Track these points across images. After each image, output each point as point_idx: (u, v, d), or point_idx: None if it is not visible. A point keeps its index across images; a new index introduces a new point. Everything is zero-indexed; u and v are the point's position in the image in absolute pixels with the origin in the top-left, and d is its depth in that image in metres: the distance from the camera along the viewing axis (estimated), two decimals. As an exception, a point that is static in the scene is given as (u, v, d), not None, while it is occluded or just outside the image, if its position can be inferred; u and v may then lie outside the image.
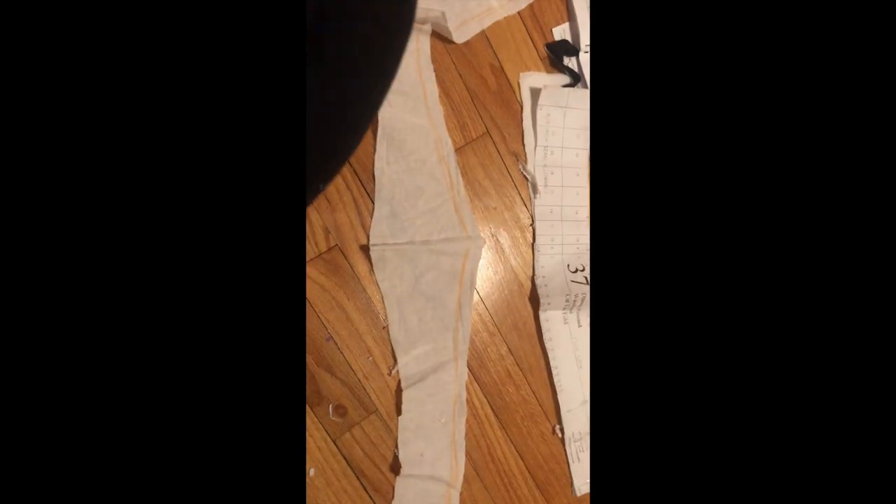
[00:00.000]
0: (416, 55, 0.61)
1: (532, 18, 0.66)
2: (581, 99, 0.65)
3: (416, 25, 0.60)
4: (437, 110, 0.61)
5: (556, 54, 0.66)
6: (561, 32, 0.67)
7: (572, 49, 0.67)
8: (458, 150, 0.62)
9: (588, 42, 0.67)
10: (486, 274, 0.64)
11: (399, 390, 0.59)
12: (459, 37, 0.62)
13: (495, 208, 0.64)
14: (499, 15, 0.64)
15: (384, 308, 0.59)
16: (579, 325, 0.67)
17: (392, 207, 0.59)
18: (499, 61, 0.64)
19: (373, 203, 0.59)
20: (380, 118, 0.59)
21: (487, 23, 0.63)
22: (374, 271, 0.59)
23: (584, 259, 0.67)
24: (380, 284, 0.59)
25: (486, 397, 0.63)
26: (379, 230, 0.59)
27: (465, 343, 0.62)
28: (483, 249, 0.63)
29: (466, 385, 0.62)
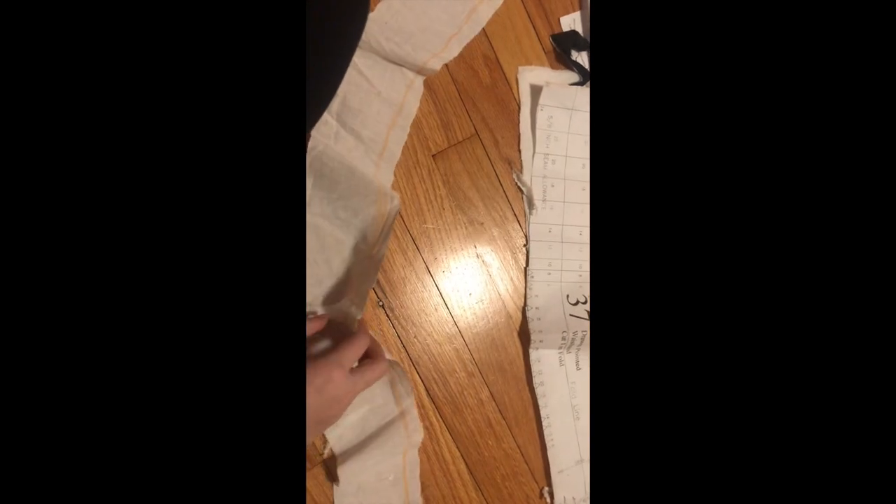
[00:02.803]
0: (398, 110, 0.51)
1: (537, 4, 0.56)
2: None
3: (407, 74, 0.51)
4: (388, 172, 0.51)
5: (563, 47, 0.56)
6: (570, 22, 0.57)
7: (582, 42, 0.57)
8: (440, 154, 0.53)
9: (602, 35, 0.57)
10: (468, 302, 0.53)
11: (332, 463, 0.49)
12: (449, 54, 0.53)
13: (482, 224, 0.54)
14: (488, 12, 0.54)
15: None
16: (578, 368, 0.56)
17: None
18: (494, 52, 0.54)
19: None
20: (310, 147, 0.47)
21: (476, 29, 0.54)
22: None
23: (587, 289, 0.57)
24: None
25: (459, 450, 0.53)
26: None
27: (409, 396, 0.50)
28: (466, 272, 0.53)
29: (437, 435, 0.51)
